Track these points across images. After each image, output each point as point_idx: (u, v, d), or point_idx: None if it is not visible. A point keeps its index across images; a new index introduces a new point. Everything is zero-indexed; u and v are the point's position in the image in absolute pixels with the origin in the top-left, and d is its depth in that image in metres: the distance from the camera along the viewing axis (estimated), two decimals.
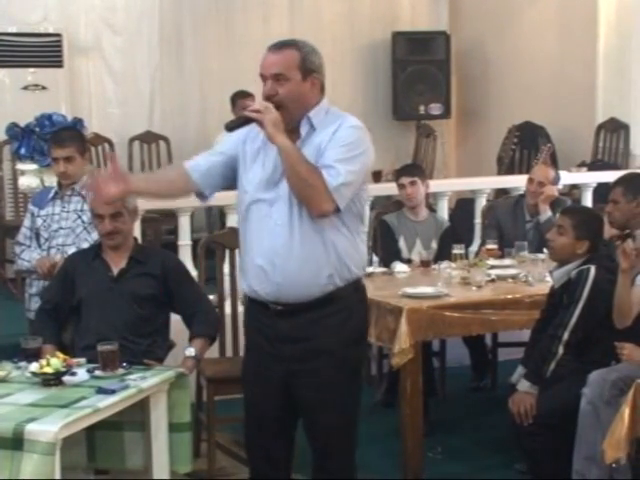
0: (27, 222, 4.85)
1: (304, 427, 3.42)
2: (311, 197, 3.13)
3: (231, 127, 3.25)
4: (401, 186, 5.65)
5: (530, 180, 5.84)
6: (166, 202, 6.25)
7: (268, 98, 3.17)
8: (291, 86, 3.16)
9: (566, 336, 4.18)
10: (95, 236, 4.51)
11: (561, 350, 4.18)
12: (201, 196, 3.43)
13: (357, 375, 3.43)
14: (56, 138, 4.89)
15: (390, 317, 4.38)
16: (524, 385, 4.23)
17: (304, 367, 3.30)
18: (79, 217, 4.71)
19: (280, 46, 3.21)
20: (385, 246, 5.68)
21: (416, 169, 5.92)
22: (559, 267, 4.40)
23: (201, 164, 3.39)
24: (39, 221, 4.78)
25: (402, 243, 5.64)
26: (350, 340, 3.32)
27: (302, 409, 3.38)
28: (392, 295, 4.53)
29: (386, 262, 5.47)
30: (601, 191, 6.43)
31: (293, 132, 3.21)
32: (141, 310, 4.26)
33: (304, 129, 3.22)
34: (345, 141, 3.17)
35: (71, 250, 4.61)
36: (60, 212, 4.75)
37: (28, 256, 4.72)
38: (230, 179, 3.38)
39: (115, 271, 4.31)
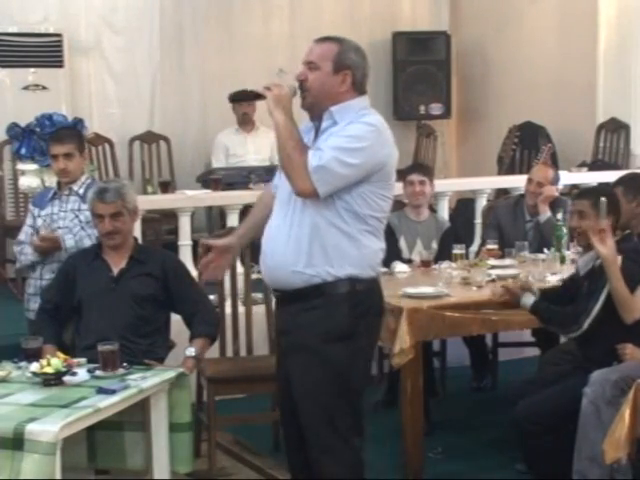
0: (29, 221, 4.86)
1: None
2: (291, 173, 3.21)
3: (234, 99, 3.41)
4: (410, 183, 5.62)
5: (529, 180, 5.82)
6: (166, 202, 6.28)
7: (299, 82, 3.30)
8: (319, 75, 3.28)
9: (586, 325, 4.13)
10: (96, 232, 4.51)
11: (574, 336, 4.18)
12: None
13: (342, 376, 3.31)
14: (55, 136, 4.91)
15: (390, 317, 4.37)
16: (528, 300, 4.28)
17: (290, 362, 3.38)
18: (76, 216, 4.71)
19: (324, 39, 3.35)
20: (386, 245, 5.64)
21: (427, 169, 5.88)
22: (584, 254, 4.38)
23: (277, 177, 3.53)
24: (39, 221, 4.79)
25: (403, 243, 5.64)
26: (331, 336, 3.28)
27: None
28: (392, 295, 4.51)
29: (386, 262, 5.45)
30: None
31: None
32: (141, 310, 4.26)
33: (327, 122, 3.30)
34: (349, 132, 3.23)
35: (69, 242, 4.61)
36: (58, 212, 4.75)
37: (30, 250, 4.72)
38: None
39: (115, 271, 4.32)
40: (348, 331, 3.29)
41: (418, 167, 5.89)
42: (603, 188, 5.44)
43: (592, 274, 4.26)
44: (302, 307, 3.31)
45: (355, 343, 3.32)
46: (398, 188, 5.91)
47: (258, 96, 3.31)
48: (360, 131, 3.23)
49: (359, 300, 3.31)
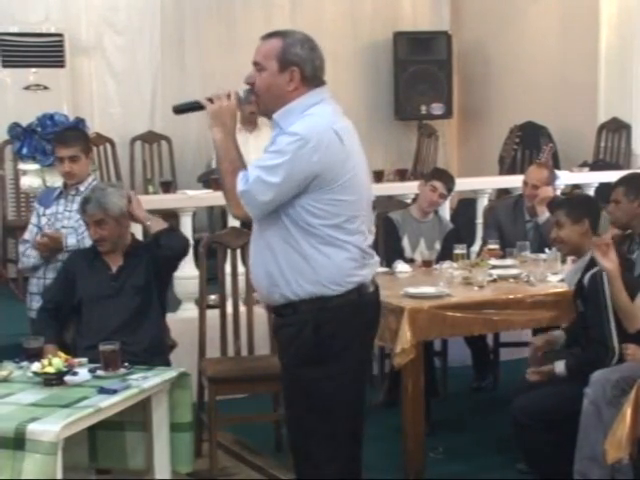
0: (34, 219, 4.86)
1: None
2: (225, 196, 3.12)
3: (179, 110, 3.24)
4: (432, 189, 5.56)
5: (524, 183, 5.79)
6: (167, 202, 6.28)
7: (250, 85, 3.14)
8: (265, 76, 3.09)
9: (615, 345, 4.11)
10: None
11: (614, 362, 4.12)
12: None
13: (314, 400, 3.13)
14: (60, 138, 4.90)
15: (392, 317, 4.37)
16: (560, 368, 4.21)
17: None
18: None
19: (268, 35, 3.14)
20: (388, 244, 5.64)
21: (452, 184, 5.69)
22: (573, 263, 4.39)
23: None
24: (44, 220, 4.79)
25: (405, 242, 5.63)
26: (299, 359, 3.13)
27: None
28: (394, 295, 4.52)
29: (388, 260, 5.45)
30: (603, 191, 6.42)
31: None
32: (141, 300, 4.30)
33: (275, 130, 3.11)
34: (273, 147, 3.05)
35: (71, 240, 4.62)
36: (63, 211, 4.76)
37: (34, 253, 4.72)
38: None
39: (114, 269, 4.36)
40: (314, 355, 3.11)
41: (447, 178, 5.66)
42: (576, 195, 5.47)
43: (582, 290, 4.26)
44: (281, 322, 3.20)
45: (325, 369, 3.11)
46: (407, 187, 5.92)
47: (201, 107, 3.16)
48: (281, 144, 3.01)
49: (327, 319, 3.10)
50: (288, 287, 3.10)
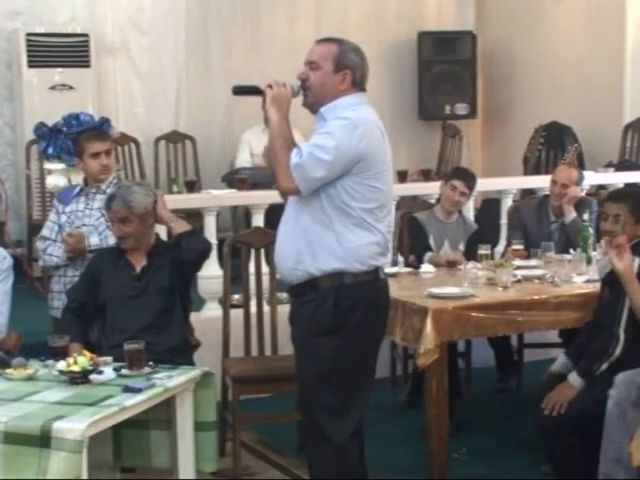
0: (53, 217, 4.86)
1: None
2: (276, 170, 3.35)
3: (238, 91, 3.55)
4: (452, 188, 5.57)
5: (553, 182, 5.77)
6: (192, 201, 6.30)
7: (301, 81, 3.43)
8: (320, 74, 3.41)
9: (622, 336, 4.09)
10: None
11: (618, 352, 4.08)
12: None
13: (327, 372, 3.38)
14: (92, 135, 4.92)
15: (416, 317, 4.37)
16: (577, 381, 4.16)
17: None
18: (102, 215, 4.69)
19: (324, 40, 3.48)
20: (416, 242, 5.66)
21: (473, 181, 5.71)
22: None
23: None
24: (63, 218, 4.79)
25: (431, 242, 5.62)
26: (316, 331, 3.37)
27: None
28: (418, 295, 4.52)
29: (419, 257, 5.47)
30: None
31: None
32: (166, 301, 4.31)
33: (319, 123, 3.43)
34: (326, 129, 3.34)
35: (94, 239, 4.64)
36: (84, 209, 4.76)
37: (56, 252, 4.73)
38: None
39: (138, 269, 4.36)
40: (332, 326, 3.37)
41: (466, 176, 5.69)
42: (633, 190, 5.39)
43: (611, 278, 4.22)
44: (300, 302, 3.45)
45: (341, 339, 3.38)
46: (431, 187, 5.91)
47: (259, 92, 3.45)
48: (334, 127, 3.33)
49: (346, 294, 3.38)
50: (313, 263, 3.37)
